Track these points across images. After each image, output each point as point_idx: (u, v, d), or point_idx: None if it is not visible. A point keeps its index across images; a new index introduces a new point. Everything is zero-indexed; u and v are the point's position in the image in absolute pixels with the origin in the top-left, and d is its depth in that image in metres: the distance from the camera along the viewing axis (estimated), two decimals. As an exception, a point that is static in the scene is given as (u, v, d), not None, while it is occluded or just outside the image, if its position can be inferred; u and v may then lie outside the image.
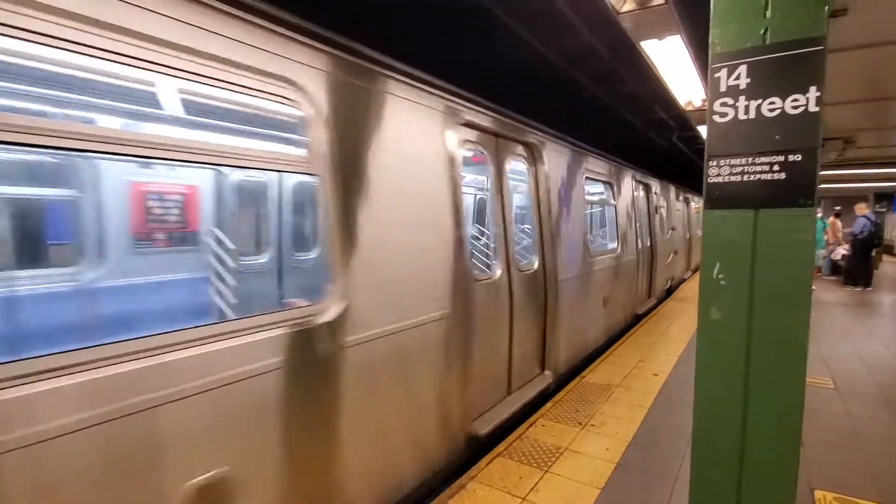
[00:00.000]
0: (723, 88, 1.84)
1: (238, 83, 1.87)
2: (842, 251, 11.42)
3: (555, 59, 5.62)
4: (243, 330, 1.87)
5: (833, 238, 11.85)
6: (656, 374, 4.84)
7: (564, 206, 4.73)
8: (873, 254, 10.68)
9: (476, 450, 3.35)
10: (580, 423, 3.71)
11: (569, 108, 7.59)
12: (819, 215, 9.46)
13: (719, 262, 1.89)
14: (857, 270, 10.42)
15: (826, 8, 1.66)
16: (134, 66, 1.58)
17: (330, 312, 2.18)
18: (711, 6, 1.87)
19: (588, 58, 5.61)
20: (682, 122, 8.56)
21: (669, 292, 10.20)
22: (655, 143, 11.21)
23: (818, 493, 2.77)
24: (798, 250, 1.75)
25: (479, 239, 6.09)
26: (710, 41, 1.85)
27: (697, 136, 9.02)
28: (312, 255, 5.07)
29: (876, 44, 2.78)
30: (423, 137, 2.79)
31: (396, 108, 2.52)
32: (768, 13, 1.75)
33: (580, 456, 3.22)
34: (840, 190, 15.26)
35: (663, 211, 9.58)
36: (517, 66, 5.93)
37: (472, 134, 3.41)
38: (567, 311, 4.73)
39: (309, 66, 2.10)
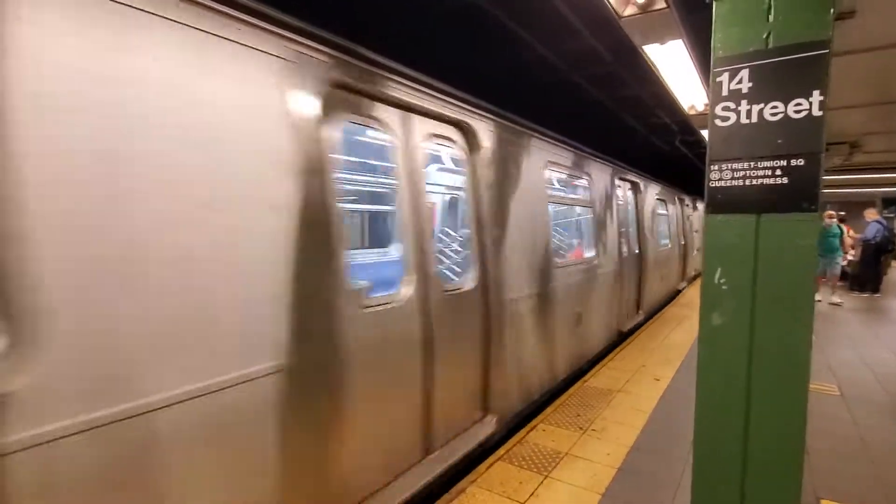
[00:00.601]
0: (725, 93, 1.83)
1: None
2: (848, 256, 11.31)
3: (556, 61, 5.63)
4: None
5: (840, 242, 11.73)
6: (658, 379, 4.80)
7: (517, 205, 3.78)
8: (883, 259, 10.58)
9: None
10: (581, 428, 3.68)
11: (571, 111, 7.58)
12: (834, 221, 9.13)
13: (721, 266, 1.88)
14: (865, 276, 10.32)
15: (831, 11, 1.64)
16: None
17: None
18: (714, 10, 1.86)
19: (590, 61, 5.61)
20: (684, 126, 8.53)
21: (662, 305, 9.28)
22: (658, 147, 11.18)
23: (824, 503, 2.73)
24: (801, 255, 1.73)
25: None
26: (712, 45, 1.84)
27: (700, 141, 8.95)
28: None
29: (884, 46, 2.75)
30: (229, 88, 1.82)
31: None
32: (771, 17, 1.74)
33: (581, 461, 3.19)
34: (846, 195, 15.13)
35: (652, 213, 8.54)
36: (519, 69, 5.94)
37: (348, 99, 2.34)
38: (521, 337, 3.87)
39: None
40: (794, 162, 1.72)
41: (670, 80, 4.19)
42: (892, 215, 17.60)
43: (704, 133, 6.46)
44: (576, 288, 4.90)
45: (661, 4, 2.42)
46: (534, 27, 4.80)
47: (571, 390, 4.53)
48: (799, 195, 1.71)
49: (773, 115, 1.73)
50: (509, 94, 4.87)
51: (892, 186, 12.76)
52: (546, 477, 3.00)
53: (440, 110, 2.98)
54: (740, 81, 1.79)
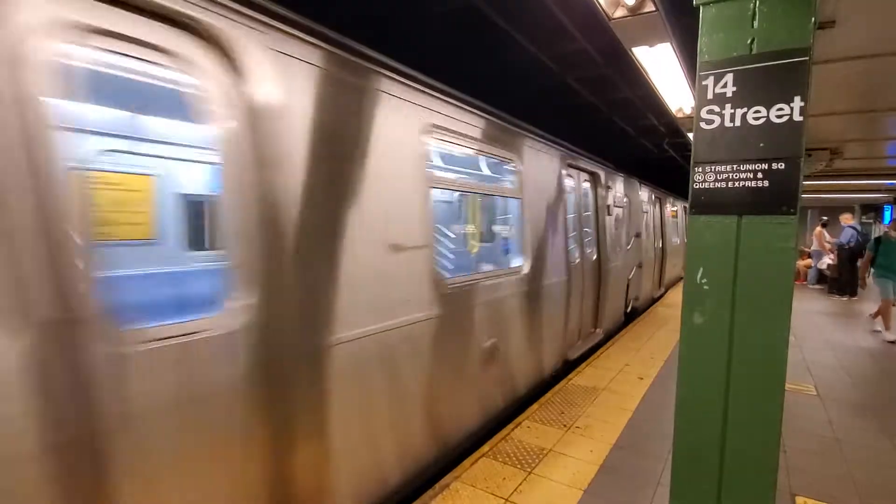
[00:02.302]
0: (710, 96, 1.87)
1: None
2: (827, 260, 11.58)
3: (550, 64, 5.67)
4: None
5: (819, 247, 12.01)
6: (641, 378, 4.87)
7: (347, 185, 2.38)
8: (859, 264, 10.84)
9: None
10: (565, 426, 3.72)
11: (563, 113, 7.63)
12: None
13: (703, 266, 1.92)
14: (843, 280, 10.56)
15: (812, 20, 1.68)
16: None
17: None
18: (700, 15, 1.89)
19: (582, 64, 5.66)
20: (672, 128, 8.64)
21: (632, 316, 8.06)
22: (647, 148, 11.31)
23: (799, 500, 2.80)
24: (779, 257, 1.77)
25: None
26: (698, 49, 1.88)
27: (687, 143, 9.08)
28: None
29: (864, 56, 2.82)
30: None
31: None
32: (756, 23, 1.78)
33: (564, 458, 3.23)
34: (828, 200, 15.47)
35: (621, 212, 7.21)
36: (514, 71, 5.97)
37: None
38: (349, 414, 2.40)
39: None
40: (774, 165, 1.76)
41: (659, 83, 4.24)
42: (870, 221, 18.05)
43: (691, 136, 6.56)
44: (487, 309, 3.61)
45: (649, 7, 2.45)
46: (527, 29, 4.83)
47: (556, 388, 4.57)
48: (779, 198, 1.75)
49: (756, 119, 1.77)
50: (504, 98, 4.89)
51: (870, 193, 13.06)
52: (530, 473, 3.03)
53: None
54: (725, 85, 1.83)
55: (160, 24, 1.68)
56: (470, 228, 6.24)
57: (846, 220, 10.60)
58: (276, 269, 2.01)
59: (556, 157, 4.97)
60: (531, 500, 2.75)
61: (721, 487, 1.91)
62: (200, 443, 1.80)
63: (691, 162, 1.94)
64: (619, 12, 2.53)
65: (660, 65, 3.73)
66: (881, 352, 6.19)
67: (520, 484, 2.91)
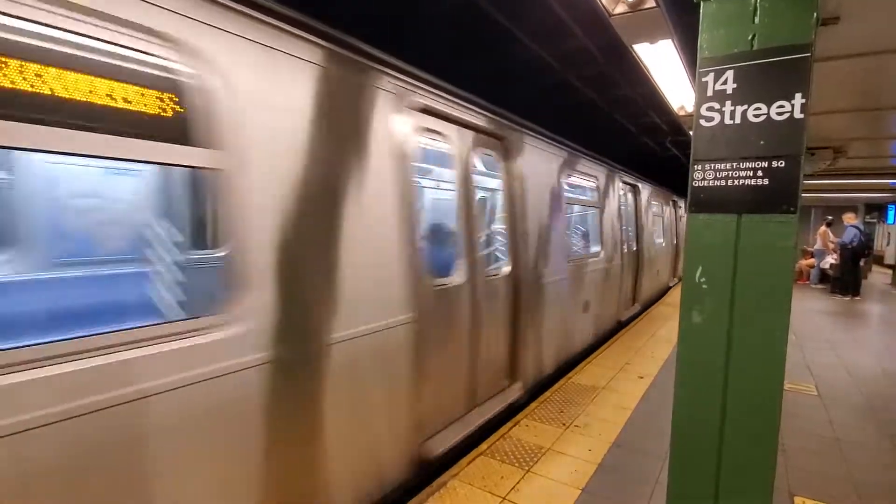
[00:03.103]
0: (710, 93, 1.85)
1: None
2: (830, 260, 11.53)
3: (552, 61, 5.64)
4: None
5: (823, 246, 11.96)
6: (642, 377, 4.86)
7: None
8: (862, 263, 10.79)
9: None
10: (564, 424, 3.72)
11: (564, 111, 7.60)
12: None
13: (702, 265, 1.90)
14: (845, 279, 10.52)
15: (814, 15, 1.66)
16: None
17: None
18: (701, 11, 1.87)
19: (583, 61, 5.63)
20: (675, 126, 8.59)
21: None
22: (649, 147, 11.26)
23: (798, 500, 2.79)
24: (779, 256, 1.76)
25: None
26: (698, 45, 1.86)
27: (688, 141, 9.01)
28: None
29: (867, 53, 2.79)
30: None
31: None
32: (757, 19, 1.76)
33: (562, 456, 3.22)
34: (831, 199, 15.40)
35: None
36: (516, 69, 5.94)
37: None
38: None
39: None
40: (775, 163, 1.74)
41: (661, 80, 4.21)
42: (873, 221, 17.96)
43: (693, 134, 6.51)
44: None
45: (650, 3, 2.43)
46: (528, 26, 4.80)
47: (556, 386, 4.56)
48: (779, 197, 1.74)
49: (756, 116, 1.75)
50: (505, 96, 4.86)
51: (875, 192, 12.99)
52: (527, 472, 3.02)
53: None
54: (725, 82, 1.81)
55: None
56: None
57: (849, 219, 10.55)
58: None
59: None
60: (528, 498, 2.75)
61: (718, 486, 1.89)
62: None
63: (691, 159, 1.93)
64: (620, 8, 2.51)
65: (661, 62, 3.70)
66: (887, 353, 6.16)
67: (517, 482, 2.90)
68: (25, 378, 1.36)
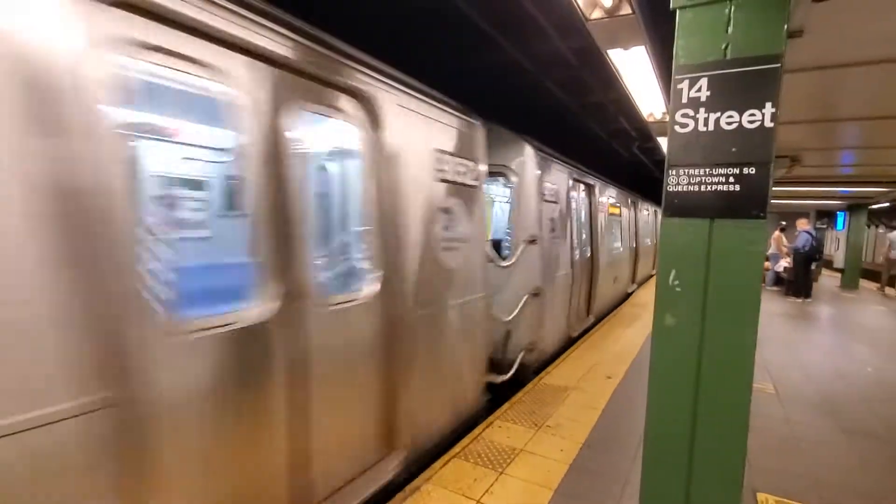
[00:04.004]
0: (684, 100, 1.88)
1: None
2: (784, 263, 12.09)
3: (527, 63, 5.68)
4: None
5: (777, 250, 12.53)
6: (610, 377, 4.95)
7: None
8: (813, 267, 11.36)
9: None
10: (536, 425, 3.74)
11: (539, 115, 7.69)
12: None
13: (675, 269, 1.93)
14: (798, 282, 11.04)
15: (785, 27, 1.72)
16: None
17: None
18: (677, 19, 1.91)
19: (558, 64, 5.70)
20: (643, 133, 8.82)
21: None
22: (618, 153, 11.54)
23: (760, 496, 2.88)
24: (749, 260, 1.81)
25: None
26: (674, 52, 1.89)
27: (656, 148, 9.25)
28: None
29: (826, 66, 2.93)
30: None
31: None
32: (730, 29, 1.80)
33: (535, 457, 3.23)
34: (786, 206, 16.17)
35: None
36: (491, 71, 5.96)
37: None
38: None
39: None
40: (745, 170, 1.79)
41: (632, 86, 4.30)
42: (823, 227, 18.96)
43: (661, 140, 6.70)
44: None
45: (626, 10, 2.47)
46: (505, 28, 4.82)
47: (527, 387, 4.59)
48: (749, 202, 1.79)
49: (729, 124, 1.80)
50: (482, 97, 4.87)
51: (825, 199, 13.70)
52: (501, 473, 3.02)
53: None
54: (699, 90, 1.85)
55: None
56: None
57: (802, 224, 11.08)
58: None
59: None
60: (502, 500, 2.74)
61: (690, 484, 1.93)
62: None
63: (665, 165, 1.96)
64: (597, 13, 2.54)
65: (633, 68, 3.77)
66: (836, 352, 6.50)
67: (491, 484, 2.89)
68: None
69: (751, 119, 1.76)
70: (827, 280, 15.75)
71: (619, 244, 9.70)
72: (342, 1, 4.28)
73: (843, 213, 16.07)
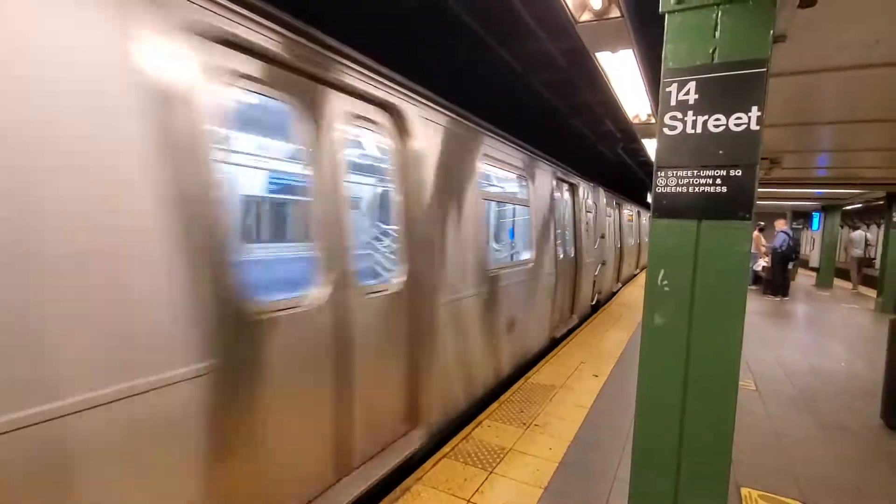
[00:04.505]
0: (673, 102, 1.91)
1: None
2: (763, 263, 12.37)
3: (515, 64, 5.71)
4: None
5: (756, 250, 12.81)
6: (596, 376, 5.00)
7: None
8: (790, 266, 11.66)
9: None
10: (525, 424, 3.76)
11: (529, 117, 7.73)
12: None
13: (664, 269, 1.97)
14: (776, 281, 11.32)
15: (771, 32, 1.76)
16: None
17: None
18: (665, 23, 1.94)
19: (546, 66, 5.74)
20: (628, 134, 8.94)
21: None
22: (604, 154, 11.67)
23: (744, 491, 2.95)
24: (735, 260, 1.85)
25: None
26: (663, 55, 1.92)
27: (640, 149, 9.40)
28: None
29: (806, 71, 3.01)
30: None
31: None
32: (718, 34, 1.84)
33: (524, 456, 3.26)
34: (763, 206, 16.55)
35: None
36: (479, 70, 5.98)
37: None
38: None
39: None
40: (732, 172, 1.83)
41: (619, 88, 4.36)
42: (800, 227, 19.47)
43: (646, 142, 6.79)
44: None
45: (615, 13, 2.50)
46: (493, 27, 4.84)
47: (515, 386, 4.62)
48: (736, 204, 1.83)
49: (716, 126, 1.83)
50: (469, 96, 4.87)
51: (802, 200, 14.07)
52: (491, 473, 3.03)
53: None
54: (688, 93, 1.88)
55: None
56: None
57: (780, 225, 11.35)
58: None
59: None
60: (492, 500, 2.75)
61: (678, 480, 1.97)
62: None
63: (654, 166, 1.99)
64: (586, 16, 2.57)
65: (620, 71, 3.82)
66: (813, 349, 6.68)
67: (481, 484, 2.90)
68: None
69: (737, 122, 1.80)
70: (803, 279, 16.18)
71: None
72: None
73: (818, 214, 16.52)
